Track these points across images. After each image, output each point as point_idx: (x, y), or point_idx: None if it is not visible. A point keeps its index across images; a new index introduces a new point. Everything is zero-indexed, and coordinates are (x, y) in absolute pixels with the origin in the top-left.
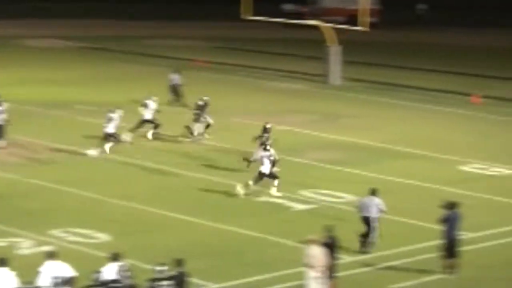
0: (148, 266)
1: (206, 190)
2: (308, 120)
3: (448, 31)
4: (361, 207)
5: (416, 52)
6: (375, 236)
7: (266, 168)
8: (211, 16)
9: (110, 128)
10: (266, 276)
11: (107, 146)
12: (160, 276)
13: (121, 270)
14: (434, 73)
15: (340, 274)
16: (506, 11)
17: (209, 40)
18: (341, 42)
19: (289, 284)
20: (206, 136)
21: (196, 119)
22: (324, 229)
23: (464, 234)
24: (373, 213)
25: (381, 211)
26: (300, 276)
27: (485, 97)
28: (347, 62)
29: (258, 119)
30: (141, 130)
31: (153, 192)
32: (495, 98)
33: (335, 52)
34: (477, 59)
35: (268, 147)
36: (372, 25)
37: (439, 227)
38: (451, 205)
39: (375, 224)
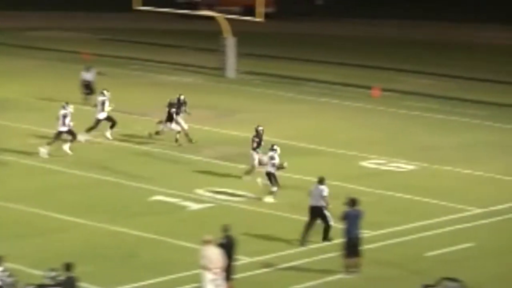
0: (36, 271)
1: (97, 190)
2: (204, 115)
3: (346, 22)
4: (309, 197)
5: (314, 44)
6: (330, 223)
7: (271, 168)
8: (98, 7)
9: (62, 126)
10: (160, 279)
11: (66, 146)
12: (47, 283)
13: (2, 275)
14: (333, 65)
15: (238, 275)
16: (404, 3)
17: (97, 31)
18: (236, 33)
19: (185, 287)
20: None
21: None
22: (221, 229)
23: (365, 232)
24: (321, 203)
25: (323, 198)
26: (196, 278)
27: (385, 90)
28: (243, 55)
29: (151, 114)
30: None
31: (40, 193)
32: (395, 91)
33: (230, 44)
34: (376, 51)
35: (274, 147)
36: (268, 16)
37: (340, 225)
38: (351, 202)
39: (324, 212)
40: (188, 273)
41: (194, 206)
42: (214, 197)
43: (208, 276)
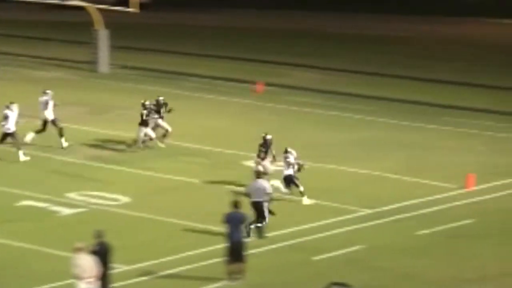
0: None
1: None
2: (75, 113)
3: (226, 12)
4: (250, 192)
5: (193, 36)
6: (265, 221)
7: (289, 171)
8: None
9: (8, 127)
10: None
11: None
12: None
13: None
14: (214, 58)
15: (115, 284)
16: None
17: None
18: (109, 25)
19: None
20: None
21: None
22: (93, 235)
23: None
24: (261, 198)
25: (267, 194)
26: None
27: (269, 84)
28: (117, 48)
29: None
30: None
31: None
32: (279, 85)
33: (103, 36)
34: (259, 43)
35: (289, 149)
36: (143, 6)
37: (223, 229)
38: (234, 205)
39: (264, 209)
40: (60, 283)
41: (66, 211)
42: (87, 201)
43: (82, 286)
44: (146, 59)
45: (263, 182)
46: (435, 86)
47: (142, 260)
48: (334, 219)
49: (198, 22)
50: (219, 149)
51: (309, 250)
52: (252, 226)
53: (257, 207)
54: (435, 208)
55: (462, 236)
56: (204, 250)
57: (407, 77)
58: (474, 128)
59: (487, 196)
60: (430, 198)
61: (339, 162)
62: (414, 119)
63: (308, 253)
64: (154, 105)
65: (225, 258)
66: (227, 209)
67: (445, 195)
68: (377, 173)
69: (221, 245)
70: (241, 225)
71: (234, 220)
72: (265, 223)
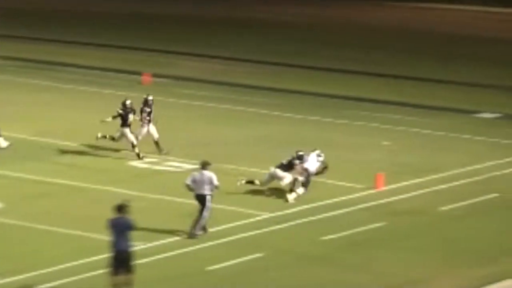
0: None
1: None
2: None
3: None
4: (194, 185)
5: (73, 22)
6: (206, 217)
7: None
8: None
9: None
10: None
11: None
12: None
13: None
14: (96, 47)
15: None
16: None
17: None
18: None
19: None
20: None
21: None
22: None
23: (137, 244)
24: (206, 190)
25: (215, 187)
26: None
27: (157, 76)
28: None
29: None
30: None
31: None
32: (169, 77)
33: None
34: (142, 30)
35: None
36: None
37: (108, 237)
38: (119, 209)
39: (209, 203)
40: None
41: None
42: None
43: None
44: (18, 48)
45: (209, 173)
46: (342, 77)
47: (18, 272)
48: (231, 224)
49: (80, 7)
50: (97, 147)
51: (204, 259)
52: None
53: (202, 200)
54: (342, 211)
55: (370, 241)
56: (87, 260)
57: (313, 68)
58: (385, 123)
59: (398, 197)
60: (336, 199)
61: (239, 162)
62: (320, 113)
63: (202, 262)
64: (128, 108)
65: (110, 269)
66: (111, 214)
67: (353, 196)
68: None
69: (106, 254)
70: (127, 232)
71: (118, 227)
72: (205, 218)
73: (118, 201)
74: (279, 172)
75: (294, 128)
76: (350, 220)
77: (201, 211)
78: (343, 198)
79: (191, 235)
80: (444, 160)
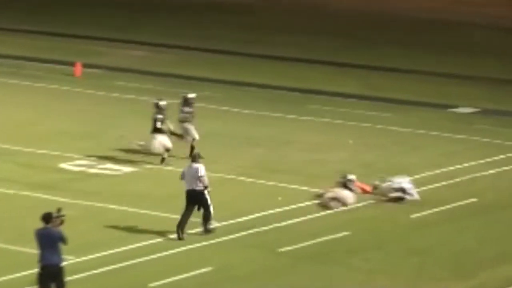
0: None
1: None
2: None
3: None
4: (185, 181)
5: None
6: (211, 207)
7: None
8: None
9: None
10: None
11: None
12: None
13: None
14: (20, 34)
15: None
16: None
17: None
18: None
19: None
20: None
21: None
22: None
23: (69, 258)
24: (198, 185)
25: (198, 178)
26: None
27: (88, 66)
28: None
29: None
30: None
31: None
32: (102, 67)
33: None
34: (70, 15)
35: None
36: None
37: (35, 250)
38: (47, 219)
39: (200, 197)
40: None
41: None
42: None
43: None
44: None
45: (197, 166)
46: (296, 67)
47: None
48: (172, 236)
49: None
50: (29, 149)
51: (146, 274)
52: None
53: (195, 196)
54: (300, 219)
55: (332, 253)
56: (10, 277)
57: (259, 56)
58: (342, 118)
59: (363, 203)
60: (293, 206)
61: (177, 163)
62: (272, 108)
63: (144, 277)
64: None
65: (37, 286)
66: (39, 224)
67: (309, 203)
68: (231, 176)
69: (33, 269)
70: (57, 244)
71: (47, 239)
72: (211, 212)
73: (47, 209)
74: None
75: (247, 124)
76: (309, 230)
77: (203, 210)
78: (301, 204)
79: (206, 231)
80: (415, 160)
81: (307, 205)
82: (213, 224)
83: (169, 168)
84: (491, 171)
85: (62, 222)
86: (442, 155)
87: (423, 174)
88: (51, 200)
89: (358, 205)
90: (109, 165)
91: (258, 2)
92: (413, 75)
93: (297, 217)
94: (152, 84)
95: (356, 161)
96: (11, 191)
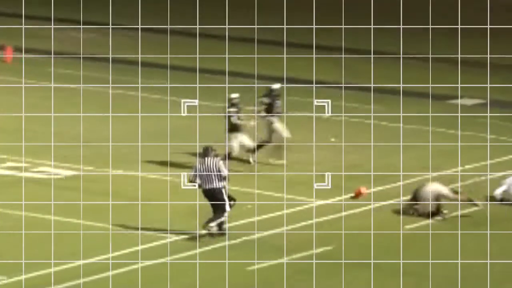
0: None
1: None
2: None
3: None
4: (199, 180)
5: None
6: (224, 217)
7: None
8: None
9: None
10: None
11: None
12: None
13: None
14: None
15: None
16: None
17: None
18: None
19: None
20: None
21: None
22: None
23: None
24: (215, 183)
25: (223, 178)
26: None
27: (19, 50)
28: None
29: None
30: None
31: None
32: (39, 51)
33: None
34: None
35: None
36: None
37: None
38: None
39: (220, 197)
40: None
41: None
42: None
43: None
44: None
45: (214, 161)
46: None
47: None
48: (130, 249)
49: None
50: None
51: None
52: (213, 226)
53: (213, 196)
54: (275, 231)
55: (309, 272)
56: None
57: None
58: (334, 113)
59: (349, 211)
60: (272, 214)
61: (134, 167)
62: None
63: None
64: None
65: None
66: None
67: (289, 211)
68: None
69: None
70: None
71: None
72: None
73: None
74: None
75: (204, 119)
76: (288, 243)
77: (213, 212)
78: (278, 213)
79: (207, 229)
80: (409, 162)
81: (288, 213)
82: (212, 229)
83: None
84: (497, 174)
85: None
86: (439, 155)
87: (419, 178)
88: None
89: (346, 213)
90: (47, 168)
91: None
92: (408, 60)
93: (272, 229)
94: (100, 72)
95: (339, 163)
96: None
